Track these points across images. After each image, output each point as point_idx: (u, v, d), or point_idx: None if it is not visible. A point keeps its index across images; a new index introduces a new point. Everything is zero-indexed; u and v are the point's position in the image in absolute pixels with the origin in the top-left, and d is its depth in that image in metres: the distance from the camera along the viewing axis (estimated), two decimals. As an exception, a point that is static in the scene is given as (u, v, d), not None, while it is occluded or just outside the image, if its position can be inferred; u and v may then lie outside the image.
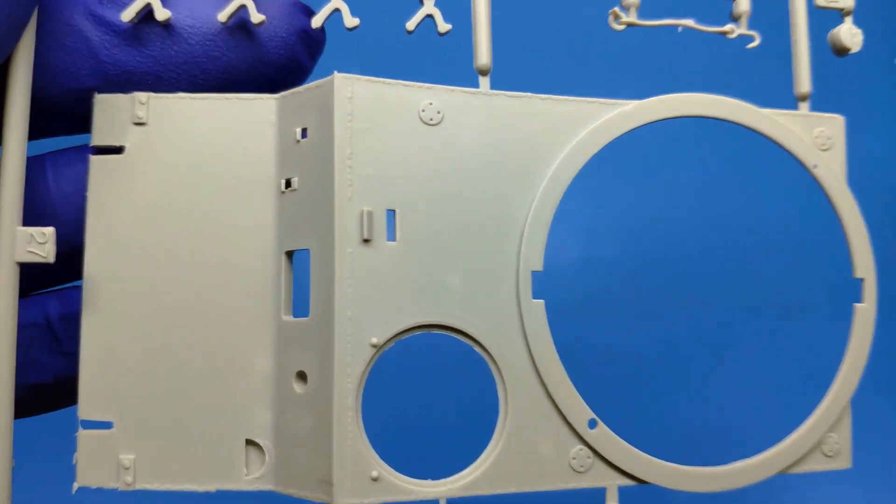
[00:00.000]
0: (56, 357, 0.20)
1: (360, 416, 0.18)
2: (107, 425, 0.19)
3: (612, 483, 0.20)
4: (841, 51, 0.21)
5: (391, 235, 0.19)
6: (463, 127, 0.19)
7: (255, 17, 0.19)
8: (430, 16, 0.20)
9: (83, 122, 0.20)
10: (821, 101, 0.22)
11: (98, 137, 0.19)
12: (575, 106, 0.20)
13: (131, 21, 0.19)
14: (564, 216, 0.20)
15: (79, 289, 0.20)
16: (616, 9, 0.20)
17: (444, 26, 0.20)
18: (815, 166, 0.21)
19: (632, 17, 0.20)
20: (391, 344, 0.18)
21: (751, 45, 0.21)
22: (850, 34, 0.21)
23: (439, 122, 0.19)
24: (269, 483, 0.19)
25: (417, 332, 0.19)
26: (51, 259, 0.18)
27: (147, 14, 0.19)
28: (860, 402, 0.21)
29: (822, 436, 0.21)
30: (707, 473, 0.20)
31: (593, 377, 0.21)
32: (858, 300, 0.21)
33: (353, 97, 0.19)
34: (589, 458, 0.19)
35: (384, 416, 0.21)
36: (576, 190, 0.20)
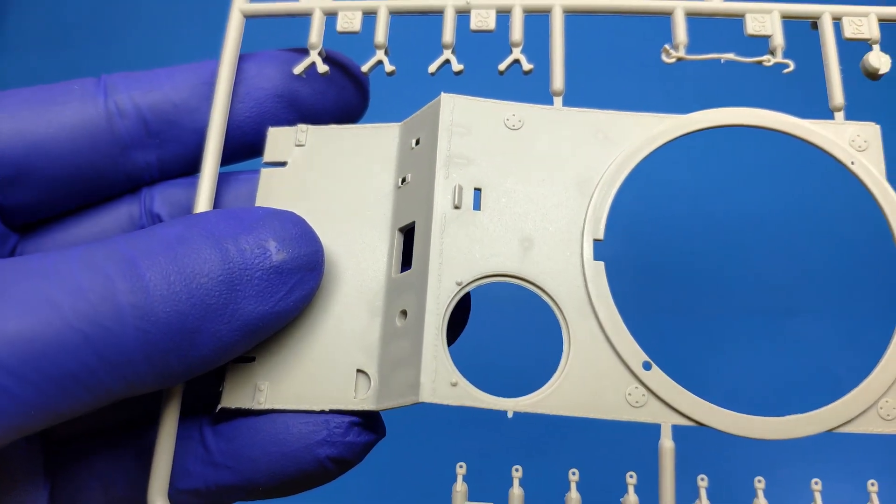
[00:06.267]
0: (206, 467, 0.24)
1: (444, 338, 0.22)
2: (251, 360, 0.24)
3: (667, 421, 0.22)
4: (872, 75, 0.25)
5: (477, 207, 0.24)
6: (539, 131, 0.25)
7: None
8: (517, 60, 0.26)
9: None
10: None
11: (269, 156, 0.26)
12: (633, 118, 0.25)
13: (301, 75, 0.27)
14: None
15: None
16: (667, 46, 0.26)
17: (527, 66, 0.26)
18: (853, 163, 0.24)
19: (680, 53, 0.26)
20: (473, 286, 0.23)
21: (786, 71, 0.25)
22: (877, 58, 0.25)
23: (520, 128, 0.25)
24: (371, 403, 0.23)
25: (496, 280, 0.23)
26: None
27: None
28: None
29: (876, 399, 0.22)
30: (760, 422, 0.22)
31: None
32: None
33: (454, 109, 0.25)
34: (644, 395, 0.22)
35: (468, 353, 0.24)
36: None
